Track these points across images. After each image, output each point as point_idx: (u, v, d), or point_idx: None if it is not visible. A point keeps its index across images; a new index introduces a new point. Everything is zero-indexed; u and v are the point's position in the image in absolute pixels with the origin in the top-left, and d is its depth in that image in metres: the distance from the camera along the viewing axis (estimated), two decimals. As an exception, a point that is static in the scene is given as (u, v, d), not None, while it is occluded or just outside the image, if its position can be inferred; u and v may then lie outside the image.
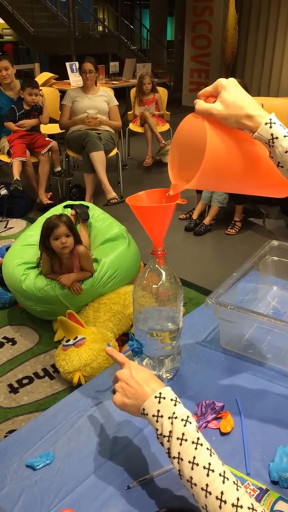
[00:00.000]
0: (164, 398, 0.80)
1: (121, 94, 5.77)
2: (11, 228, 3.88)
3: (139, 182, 5.01)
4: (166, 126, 5.56)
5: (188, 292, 2.84)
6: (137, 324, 1.09)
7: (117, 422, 1.02)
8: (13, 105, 4.16)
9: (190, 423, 0.76)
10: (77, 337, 2.08)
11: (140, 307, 1.07)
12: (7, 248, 2.82)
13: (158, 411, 0.79)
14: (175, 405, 0.79)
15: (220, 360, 1.22)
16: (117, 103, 4.49)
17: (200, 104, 0.85)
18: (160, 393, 0.80)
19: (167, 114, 5.70)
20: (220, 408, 1.04)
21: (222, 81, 0.84)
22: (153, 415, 0.79)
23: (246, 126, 0.83)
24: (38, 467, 0.92)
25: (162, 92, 5.76)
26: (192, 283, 2.96)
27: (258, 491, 0.85)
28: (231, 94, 0.82)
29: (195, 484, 0.70)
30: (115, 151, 4.42)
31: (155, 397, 0.80)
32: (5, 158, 4.23)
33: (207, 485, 0.69)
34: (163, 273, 1.04)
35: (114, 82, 6.48)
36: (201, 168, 0.82)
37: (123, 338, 2.39)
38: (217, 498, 0.68)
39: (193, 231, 3.81)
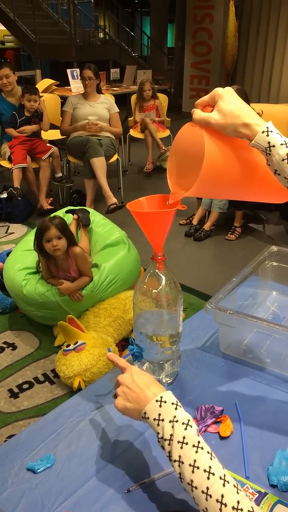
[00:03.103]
0: (165, 402, 0.80)
1: (121, 100, 5.81)
2: (12, 233, 3.89)
3: (139, 188, 5.03)
4: (167, 132, 5.59)
5: (188, 297, 2.85)
6: (137, 328, 1.10)
7: (117, 426, 1.03)
8: (14, 112, 4.19)
9: (191, 426, 0.77)
10: (77, 342, 2.09)
11: (140, 311, 1.08)
12: (8, 253, 2.83)
13: (159, 414, 0.79)
14: (176, 409, 0.79)
15: (220, 365, 1.23)
16: (118, 110, 4.51)
17: (197, 113, 0.86)
18: (161, 397, 0.81)
19: (168, 120, 5.73)
20: (219, 412, 1.04)
21: (218, 90, 0.85)
22: (154, 419, 0.79)
23: (243, 135, 0.84)
24: (38, 470, 0.92)
25: (163, 99, 5.80)
26: (192, 288, 2.97)
27: (257, 494, 0.85)
28: (228, 103, 0.83)
29: (196, 487, 0.71)
30: (115, 157, 4.45)
31: (156, 401, 0.81)
32: (6, 164, 4.25)
33: (207, 488, 0.70)
34: (163, 278, 1.05)
35: (115, 88, 6.52)
36: (199, 177, 0.83)
37: (123, 343, 2.39)
38: (217, 501, 0.68)
39: (193, 236, 3.82)
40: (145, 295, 1.06)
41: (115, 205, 3.88)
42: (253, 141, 0.83)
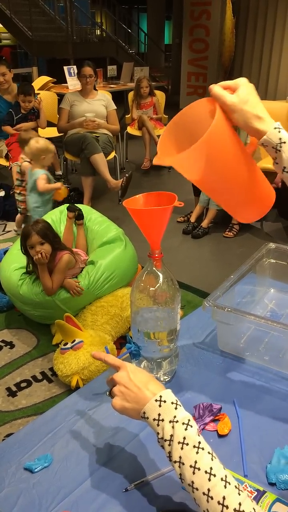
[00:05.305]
0: (164, 401, 0.79)
1: (119, 97, 5.79)
2: (9, 231, 3.88)
3: (137, 185, 5.02)
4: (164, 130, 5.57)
5: (186, 294, 2.85)
6: (134, 326, 1.09)
7: (115, 424, 1.02)
8: (10, 109, 4.18)
9: (191, 426, 0.75)
10: (75, 340, 2.08)
11: (137, 309, 1.07)
12: (5, 252, 2.82)
13: (159, 414, 0.78)
14: (175, 408, 0.78)
15: (218, 363, 1.22)
16: (115, 107, 4.50)
17: (217, 87, 0.86)
18: (161, 396, 0.79)
19: (165, 117, 5.72)
20: (217, 410, 1.04)
21: (243, 79, 0.87)
22: (154, 419, 0.78)
23: (251, 126, 0.85)
24: (36, 469, 0.92)
25: (160, 96, 5.79)
26: (190, 285, 2.96)
27: (256, 493, 0.85)
28: (248, 92, 0.85)
29: (197, 489, 0.70)
30: (113, 154, 4.44)
31: (156, 400, 0.79)
32: (3, 162, 4.24)
33: (208, 490, 0.69)
34: (161, 275, 1.04)
35: (112, 85, 6.51)
36: (197, 144, 0.81)
37: (121, 341, 2.39)
38: (219, 503, 0.67)
39: (191, 234, 3.82)
40: (143, 292, 1.05)
41: (123, 180, 3.84)
42: (265, 136, 0.84)
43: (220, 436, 0.99)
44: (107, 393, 0.88)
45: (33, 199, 3.20)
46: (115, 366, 0.89)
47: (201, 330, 1.35)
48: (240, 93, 0.85)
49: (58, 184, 3.19)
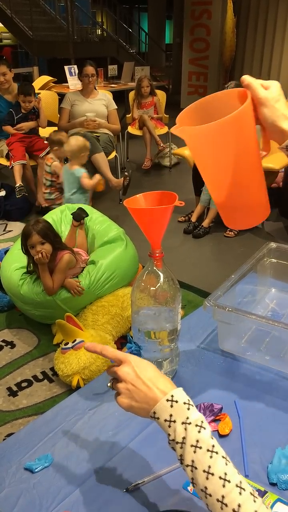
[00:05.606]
0: (176, 401, 0.75)
1: (119, 97, 5.79)
2: (10, 231, 3.88)
3: (137, 185, 5.02)
4: (165, 129, 5.57)
5: (186, 294, 2.84)
6: (135, 326, 1.09)
7: (115, 424, 1.02)
8: (11, 109, 4.18)
9: (205, 428, 0.72)
10: (75, 340, 2.08)
11: (138, 309, 1.07)
12: (6, 252, 2.82)
13: (171, 415, 0.74)
14: (188, 409, 0.75)
15: (219, 362, 1.22)
16: (116, 107, 4.50)
17: (251, 78, 0.87)
18: (172, 396, 0.76)
19: (166, 117, 5.72)
20: (218, 410, 1.04)
21: (275, 81, 0.89)
22: (165, 420, 0.74)
23: (277, 125, 0.86)
24: (36, 470, 0.91)
25: (161, 95, 5.78)
26: (190, 285, 2.96)
27: (257, 493, 0.84)
28: (280, 93, 0.87)
29: (210, 495, 0.67)
30: (113, 154, 4.43)
31: (167, 400, 0.75)
32: (4, 162, 4.24)
33: (223, 496, 0.66)
34: (161, 275, 1.04)
35: (113, 85, 6.51)
36: (226, 118, 0.80)
37: (122, 341, 2.39)
38: (233, 510, 0.65)
39: (192, 233, 3.81)
40: (143, 292, 1.05)
41: (125, 179, 3.87)
42: None
43: (221, 436, 0.99)
44: (109, 384, 0.83)
45: (77, 197, 3.34)
46: (116, 359, 0.83)
47: (202, 330, 1.35)
48: (273, 90, 0.86)
49: (99, 177, 3.38)
